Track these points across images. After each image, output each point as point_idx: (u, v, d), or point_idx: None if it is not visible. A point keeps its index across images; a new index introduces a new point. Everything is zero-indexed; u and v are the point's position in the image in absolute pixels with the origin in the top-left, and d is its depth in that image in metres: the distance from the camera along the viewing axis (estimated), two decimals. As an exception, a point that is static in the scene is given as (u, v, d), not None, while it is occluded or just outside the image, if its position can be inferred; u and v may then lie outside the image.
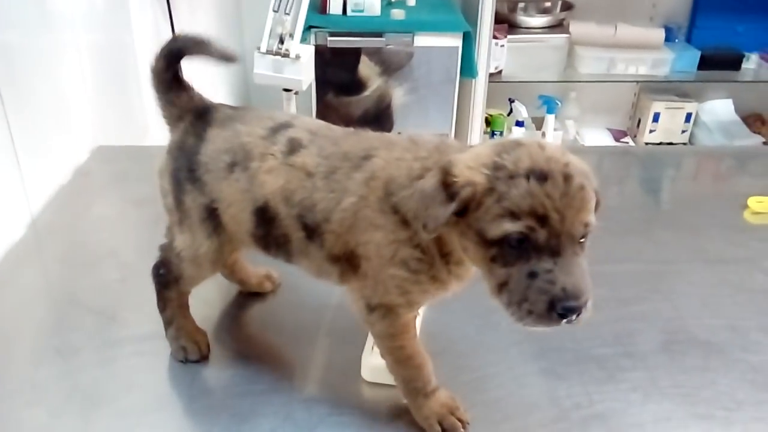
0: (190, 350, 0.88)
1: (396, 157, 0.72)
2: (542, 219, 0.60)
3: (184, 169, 0.82)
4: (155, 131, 1.71)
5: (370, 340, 0.88)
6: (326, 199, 0.73)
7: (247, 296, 1.02)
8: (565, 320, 0.61)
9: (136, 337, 0.92)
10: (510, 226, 0.60)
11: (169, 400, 0.83)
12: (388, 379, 0.84)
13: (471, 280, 0.74)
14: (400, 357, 0.77)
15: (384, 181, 0.70)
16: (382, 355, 0.79)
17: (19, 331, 0.94)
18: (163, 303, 0.89)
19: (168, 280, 0.87)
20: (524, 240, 0.60)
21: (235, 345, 0.92)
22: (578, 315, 0.61)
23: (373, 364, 0.85)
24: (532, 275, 0.61)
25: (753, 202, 1.30)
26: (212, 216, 0.82)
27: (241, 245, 0.85)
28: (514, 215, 0.60)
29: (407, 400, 0.79)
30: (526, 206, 0.60)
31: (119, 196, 1.31)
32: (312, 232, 0.75)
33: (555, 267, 0.60)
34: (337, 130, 0.80)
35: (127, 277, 1.05)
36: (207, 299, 1.01)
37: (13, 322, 0.96)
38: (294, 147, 0.77)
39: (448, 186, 0.62)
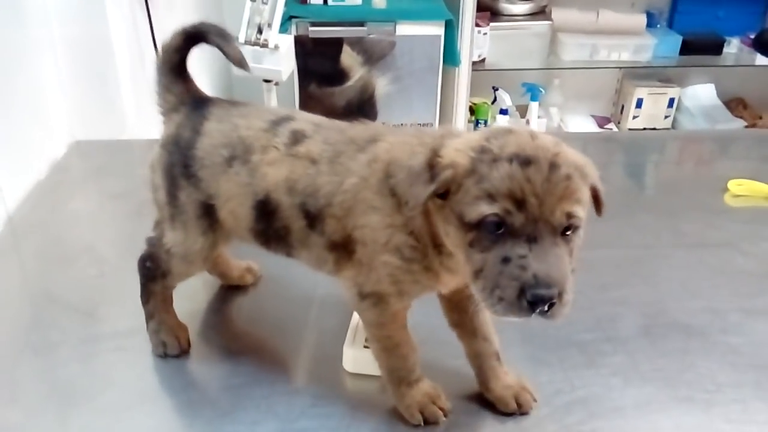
0: (170, 345, 0.87)
1: (401, 141, 0.71)
2: (520, 203, 0.59)
3: (178, 164, 0.80)
4: (133, 125, 1.69)
5: (352, 330, 0.88)
6: (330, 183, 0.73)
7: (228, 289, 1.01)
8: (536, 310, 0.59)
9: (114, 333, 0.91)
10: (486, 208, 0.59)
11: (149, 396, 0.82)
12: (370, 369, 0.84)
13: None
14: (387, 345, 0.77)
15: (386, 162, 0.70)
16: (369, 342, 0.79)
17: (-5, 330, 0.93)
18: (146, 296, 0.88)
19: (154, 275, 0.86)
20: (501, 224, 0.59)
21: (215, 338, 0.92)
22: (550, 307, 0.59)
23: (355, 355, 0.85)
24: (506, 260, 0.59)
25: (733, 185, 1.31)
26: (208, 213, 0.80)
27: (238, 240, 0.84)
28: (491, 197, 0.59)
29: (390, 388, 0.79)
30: (504, 188, 0.59)
31: (97, 190, 1.30)
32: (314, 219, 0.74)
33: (529, 253, 0.59)
34: (342, 122, 0.79)
35: (105, 272, 1.04)
36: (186, 292, 1.00)
37: (-11, 321, 0.94)
38: (297, 138, 0.76)
39: (432, 166, 0.62)
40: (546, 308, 0.59)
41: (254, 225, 0.78)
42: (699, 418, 0.79)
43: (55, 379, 0.84)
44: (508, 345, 0.88)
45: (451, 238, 0.64)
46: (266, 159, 0.76)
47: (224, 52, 0.83)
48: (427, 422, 0.77)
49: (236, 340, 0.92)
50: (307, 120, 0.79)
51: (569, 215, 0.60)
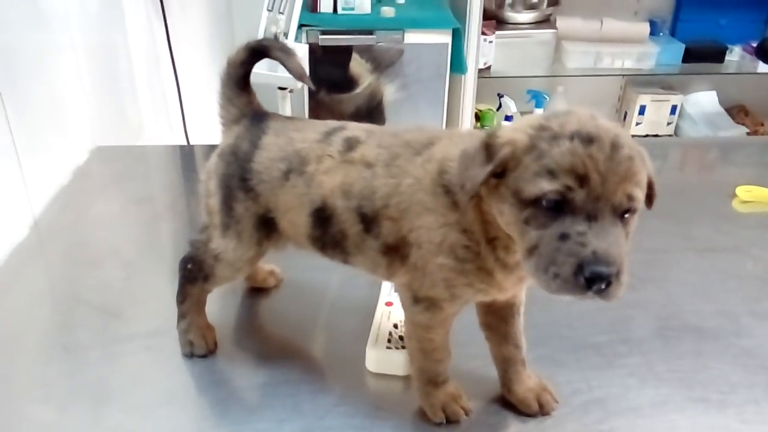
0: (197, 345, 0.89)
1: (455, 143, 0.71)
2: (582, 179, 0.57)
3: (236, 176, 0.82)
4: (149, 131, 1.71)
5: (374, 332, 0.90)
6: (386, 185, 0.73)
7: (252, 291, 1.03)
8: (593, 288, 0.57)
9: (141, 333, 0.93)
10: (547, 185, 0.58)
11: (177, 394, 0.84)
12: (392, 369, 0.87)
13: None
14: (426, 347, 0.78)
15: (439, 161, 0.71)
16: (407, 341, 0.80)
17: (25, 330, 0.95)
18: (182, 296, 0.90)
19: (195, 277, 0.88)
20: (560, 202, 0.58)
21: (241, 339, 0.94)
22: (608, 285, 0.57)
23: (378, 355, 0.87)
24: (564, 237, 0.58)
25: (741, 191, 1.33)
26: (266, 224, 0.82)
27: (294, 248, 0.86)
28: (552, 174, 0.58)
29: (417, 385, 0.80)
30: (566, 164, 0.57)
31: (119, 195, 1.32)
32: (369, 222, 0.75)
33: (589, 230, 0.57)
34: (396, 127, 0.80)
35: (130, 274, 1.06)
36: (212, 295, 1.03)
37: (20, 322, 0.96)
38: (351, 145, 0.78)
39: (489, 147, 0.62)
40: (603, 286, 0.57)
41: (311, 232, 0.79)
42: (715, 418, 0.81)
43: (86, 379, 0.86)
44: (526, 347, 0.91)
45: (506, 216, 0.63)
46: (321, 168, 0.77)
47: (287, 67, 0.85)
48: (449, 421, 0.79)
49: (261, 341, 0.94)
50: (359, 128, 0.81)
51: (630, 197, 0.59)
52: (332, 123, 0.83)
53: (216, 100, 0.88)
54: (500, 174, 0.62)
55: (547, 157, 0.58)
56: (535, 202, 0.59)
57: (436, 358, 0.78)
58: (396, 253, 0.75)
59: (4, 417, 0.80)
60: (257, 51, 0.85)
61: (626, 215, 0.60)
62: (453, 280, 0.71)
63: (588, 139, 0.58)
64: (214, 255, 0.85)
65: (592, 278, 0.57)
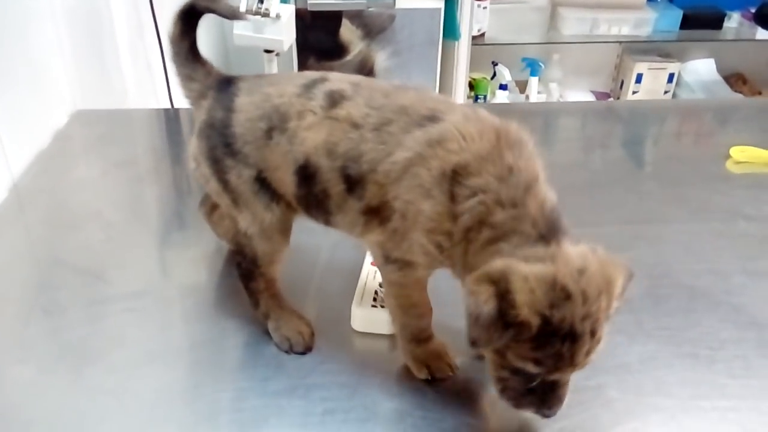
0: (294, 341, 0.83)
1: (469, 135, 0.68)
2: (560, 370, 0.65)
3: (219, 145, 0.79)
4: (134, 95, 1.68)
5: (359, 291, 0.88)
6: (375, 150, 0.71)
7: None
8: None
9: (123, 295, 0.92)
10: (531, 368, 0.64)
11: (159, 355, 0.83)
12: (377, 328, 0.85)
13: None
14: (404, 304, 0.77)
15: (454, 163, 0.67)
16: (385, 298, 0.79)
17: (4, 292, 0.93)
18: (254, 299, 0.85)
19: (249, 269, 0.84)
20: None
21: (224, 299, 0.92)
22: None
23: (362, 314, 0.86)
24: (531, 390, 0.67)
25: (735, 151, 1.31)
26: (265, 185, 0.79)
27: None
28: (539, 363, 0.64)
29: (400, 343, 0.79)
30: (551, 363, 0.63)
31: (100, 158, 1.29)
32: (353, 184, 0.73)
33: (551, 394, 0.67)
34: (384, 83, 0.77)
35: (112, 237, 1.04)
36: (193, 256, 1.01)
37: (-2, 284, 0.95)
38: (335, 99, 0.74)
39: (504, 313, 0.61)
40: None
41: (296, 191, 0.77)
42: (702, 373, 0.80)
43: (66, 339, 0.85)
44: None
45: (489, 354, 0.69)
46: (303, 124, 0.74)
47: (217, 12, 0.82)
48: (433, 377, 0.78)
49: (245, 302, 0.92)
50: (342, 80, 0.77)
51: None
52: (311, 74, 0.80)
53: (176, 82, 0.85)
54: None
55: (541, 352, 0.63)
56: (516, 368, 0.66)
57: (415, 313, 0.77)
58: (376, 214, 0.73)
59: (-17, 377, 0.79)
60: (189, 14, 0.82)
61: None
62: (433, 254, 0.70)
63: (574, 339, 0.62)
64: (243, 234, 0.82)
65: (541, 416, 0.70)
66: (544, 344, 0.62)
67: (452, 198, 0.67)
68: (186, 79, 0.84)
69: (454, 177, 0.67)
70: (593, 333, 0.63)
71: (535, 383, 0.66)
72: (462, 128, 0.69)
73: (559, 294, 0.61)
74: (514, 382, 0.68)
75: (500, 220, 0.65)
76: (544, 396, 0.68)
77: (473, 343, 0.63)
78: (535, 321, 0.61)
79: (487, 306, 0.61)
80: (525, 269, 0.62)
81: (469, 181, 0.66)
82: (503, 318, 0.61)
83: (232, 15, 0.84)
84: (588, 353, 0.64)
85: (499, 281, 0.61)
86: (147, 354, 0.83)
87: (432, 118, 0.70)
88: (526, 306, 0.61)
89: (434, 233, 0.69)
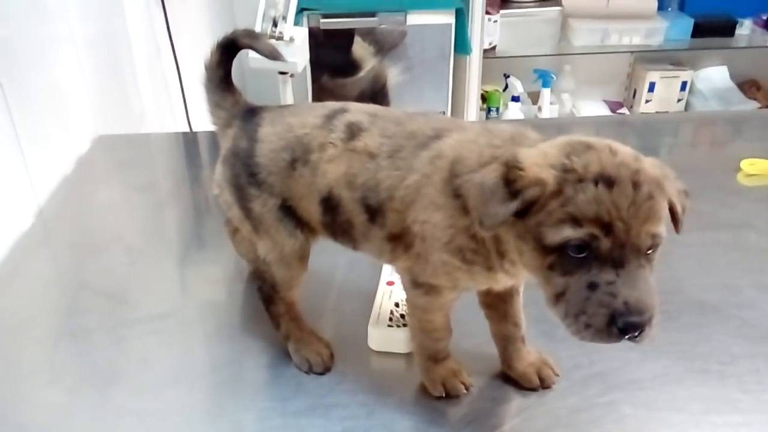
0: (314, 362, 0.85)
1: (467, 140, 0.69)
2: (606, 227, 0.57)
3: (243, 174, 0.81)
4: (151, 119, 1.72)
5: (375, 311, 0.91)
6: (391, 177, 0.72)
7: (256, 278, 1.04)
8: (626, 336, 0.58)
9: (147, 317, 0.95)
10: (571, 233, 0.57)
11: (184, 376, 0.85)
12: (394, 347, 0.87)
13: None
14: (426, 327, 0.78)
15: (450, 160, 0.68)
16: (408, 319, 0.80)
17: (33, 317, 0.97)
18: (275, 321, 0.88)
19: (269, 294, 0.86)
20: (585, 248, 0.58)
21: (245, 321, 0.95)
22: (641, 332, 0.57)
23: (379, 334, 0.88)
24: (592, 286, 0.58)
25: (746, 164, 1.32)
26: (289, 213, 0.81)
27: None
28: (576, 221, 0.57)
29: (418, 361, 0.81)
30: (591, 213, 0.56)
31: (122, 183, 1.33)
32: (374, 213, 0.74)
33: (617, 279, 0.57)
34: (398, 111, 0.79)
35: (134, 260, 1.08)
36: (214, 278, 1.04)
37: (27, 308, 0.98)
38: (354, 132, 0.76)
39: (510, 182, 0.59)
40: (636, 333, 0.58)
41: (323, 219, 0.79)
42: (714, 388, 0.81)
43: (94, 362, 0.87)
44: (527, 323, 0.91)
45: (526, 257, 0.62)
46: (325, 157, 0.76)
47: (257, 50, 0.85)
48: (449, 395, 0.80)
49: (265, 323, 0.95)
50: (361, 111, 0.79)
51: (653, 235, 0.58)
52: (331, 105, 0.82)
53: (205, 107, 0.88)
54: (520, 213, 0.60)
55: (572, 204, 0.57)
56: (559, 249, 0.59)
57: (435, 337, 0.79)
58: (400, 240, 0.75)
59: (15, 399, 0.82)
60: (229, 46, 0.85)
61: (650, 251, 0.60)
62: (456, 273, 0.71)
63: (610, 183, 0.57)
64: (263, 260, 0.84)
65: (626, 328, 0.57)
66: (573, 193, 0.57)
67: (456, 195, 0.67)
68: (215, 106, 0.87)
69: (452, 175, 0.68)
70: (637, 185, 0.57)
71: (596, 271, 0.57)
72: (464, 140, 0.70)
73: (577, 146, 0.59)
74: (572, 283, 0.59)
75: None
76: (616, 292, 0.56)
77: (480, 222, 0.60)
78: (548, 174, 0.58)
79: (489, 175, 0.60)
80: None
81: (462, 167, 0.67)
82: (509, 185, 0.58)
83: (272, 55, 0.86)
84: (642, 217, 0.56)
85: (507, 160, 0.61)
86: (171, 375, 0.85)
87: (435, 137, 0.73)
88: (536, 165, 0.58)
89: (453, 241, 0.69)
